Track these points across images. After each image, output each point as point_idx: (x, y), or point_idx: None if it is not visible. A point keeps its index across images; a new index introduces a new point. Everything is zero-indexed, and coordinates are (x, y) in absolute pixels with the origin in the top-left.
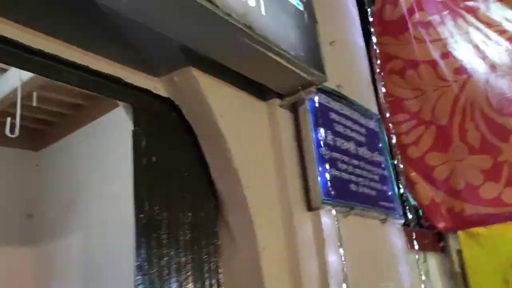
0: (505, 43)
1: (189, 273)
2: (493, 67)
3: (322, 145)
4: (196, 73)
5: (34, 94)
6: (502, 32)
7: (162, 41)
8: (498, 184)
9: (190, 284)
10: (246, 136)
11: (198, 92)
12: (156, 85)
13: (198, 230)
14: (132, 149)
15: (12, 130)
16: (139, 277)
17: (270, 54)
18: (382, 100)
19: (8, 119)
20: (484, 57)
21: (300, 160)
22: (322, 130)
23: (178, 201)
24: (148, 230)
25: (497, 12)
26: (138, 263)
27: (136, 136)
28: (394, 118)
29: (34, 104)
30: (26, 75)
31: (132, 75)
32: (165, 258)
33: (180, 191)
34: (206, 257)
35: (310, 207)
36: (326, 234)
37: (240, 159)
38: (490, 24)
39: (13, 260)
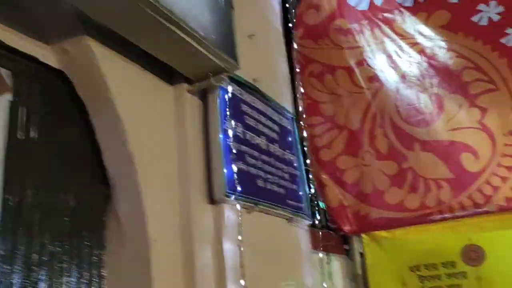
0: (416, 55)
1: (65, 264)
2: (403, 77)
3: (231, 137)
4: (93, 43)
5: None
6: (414, 44)
7: (54, 3)
8: (402, 190)
9: (64, 278)
10: (146, 118)
11: (93, 65)
12: (45, 53)
13: (81, 217)
14: (7, 121)
15: None
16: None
17: (177, 30)
18: (299, 101)
19: None
20: (396, 67)
21: (205, 150)
22: (232, 122)
23: (58, 184)
24: (16, 214)
25: (411, 25)
26: (1, 252)
27: (13, 106)
28: (310, 120)
29: None
30: None
31: (16, 38)
32: (36, 248)
33: (62, 172)
34: (87, 248)
35: (212, 200)
36: (227, 229)
37: (136, 142)
38: (404, 36)
39: None
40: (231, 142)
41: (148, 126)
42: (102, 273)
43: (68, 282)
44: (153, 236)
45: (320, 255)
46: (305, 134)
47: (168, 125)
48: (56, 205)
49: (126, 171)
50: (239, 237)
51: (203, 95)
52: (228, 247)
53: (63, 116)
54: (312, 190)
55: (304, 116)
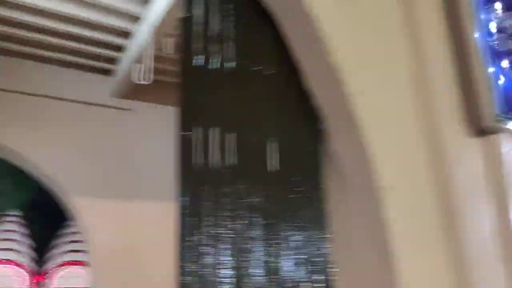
0: None
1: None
2: None
3: (495, 31)
4: None
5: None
6: None
7: None
8: None
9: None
10: (359, 30)
11: None
12: None
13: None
14: None
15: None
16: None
17: None
18: None
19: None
20: None
21: (455, 56)
22: (497, 4)
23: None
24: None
25: None
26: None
27: None
28: None
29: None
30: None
31: None
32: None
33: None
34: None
35: (476, 130)
36: (507, 170)
37: (345, 48)
38: None
39: None
40: (496, 40)
41: (362, 36)
42: (325, 229)
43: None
44: (388, 183)
45: None
46: None
47: (392, 29)
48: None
49: (338, 95)
50: None
51: None
52: None
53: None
54: None
55: None
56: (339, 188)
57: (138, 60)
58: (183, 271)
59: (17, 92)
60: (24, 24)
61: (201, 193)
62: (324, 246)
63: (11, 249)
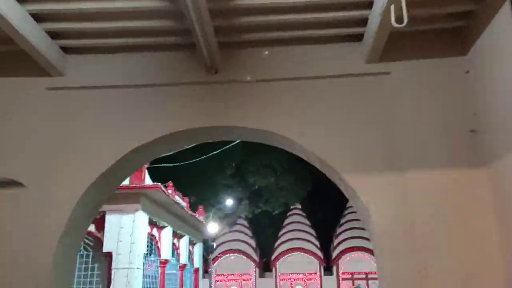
0: None
1: None
2: None
3: None
4: None
5: None
6: None
7: None
8: None
9: None
10: None
11: None
12: None
13: None
14: None
15: (398, 20)
16: None
17: None
18: None
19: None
20: None
21: None
22: None
23: None
24: None
25: None
26: None
27: None
28: None
29: None
30: None
31: None
32: None
33: None
34: None
35: None
36: None
37: None
38: None
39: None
40: None
41: None
42: None
43: None
44: None
45: None
46: None
47: None
48: None
49: None
50: None
51: None
52: None
53: None
54: None
55: None
56: None
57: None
58: None
59: (272, 80)
60: (265, 8)
61: None
62: None
63: (299, 239)
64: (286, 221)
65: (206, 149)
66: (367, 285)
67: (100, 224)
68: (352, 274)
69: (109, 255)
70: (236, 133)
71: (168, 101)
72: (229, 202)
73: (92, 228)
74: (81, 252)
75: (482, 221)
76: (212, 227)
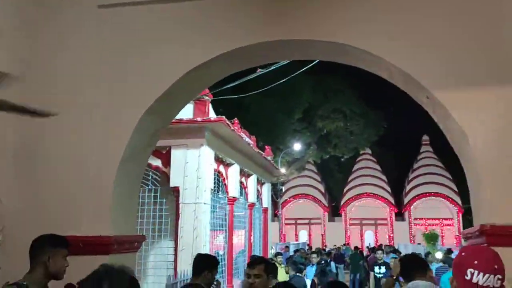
0: None
1: None
2: None
3: None
4: None
5: None
6: None
7: None
8: None
9: None
10: None
11: None
12: None
13: None
14: None
15: None
16: None
17: None
18: None
19: None
20: None
21: None
22: None
23: None
24: None
25: None
26: None
27: None
28: None
29: None
30: None
31: None
32: None
33: None
34: None
35: None
36: None
37: None
38: None
39: None
40: None
41: None
42: None
43: None
44: None
45: None
46: None
47: None
48: None
49: None
50: None
51: None
52: None
53: None
54: None
55: None
56: None
57: None
58: None
59: None
60: None
61: None
62: None
63: (369, 184)
64: (356, 166)
65: (274, 92)
66: (442, 231)
67: (167, 160)
68: (425, 220)
69: (175, 190)
70: (309, 48)
71: (231, 13)
72: (297, 146)
73: (159, 163)
74: (149, 187)
75: None
76: (281, 170)
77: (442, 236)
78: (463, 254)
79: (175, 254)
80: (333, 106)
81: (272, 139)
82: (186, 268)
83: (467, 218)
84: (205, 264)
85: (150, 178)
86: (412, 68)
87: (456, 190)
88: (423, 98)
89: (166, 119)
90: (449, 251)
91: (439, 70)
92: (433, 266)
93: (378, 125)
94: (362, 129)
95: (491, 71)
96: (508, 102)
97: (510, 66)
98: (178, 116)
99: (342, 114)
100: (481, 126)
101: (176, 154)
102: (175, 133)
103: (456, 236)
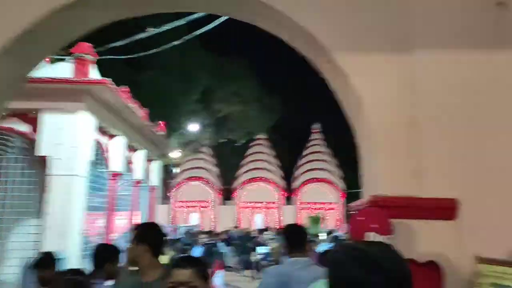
0: None
1: None
2: None
3: None
4: None
5: None
6: None
7: None
8: None
9: None
10: None
11: None
12: None
13: None
14: None
15: None
16: None
17: None
18: None
19: None
20: None
21: None
22: None
23: None
24: None
25: None
26: None
27: None
28: None
29: None
30: None
31: None
32: None
33: None
34: None
35: None
36: None
37: None
38: None
39: None
40: None
41: None
42: None
43: None
44: None
45: None
46: None
47: None
48: None
49: None
50: None
51: None
52: None
53: None
54: None
55: None
56: None
57: None
58: None
59: None
60: None
61: None
62: None
63: (262, 168)
64: (249, 151)
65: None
66: (326, 215)
67: (37, 125)
68: (310, 204)
69: (43, 159)
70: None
71: None
72: (193, 127)
73: (26, 128)
74: (14, 156)
75: (508, 114)
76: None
77: (326, 219)
78: (360, 219)
79: (42, 234)
80: (231, 90)
81: (167, 118)
82: (53, 249)
83: (349, 203)
84: (107, 256)
85: (15, 145)
86: (316, 28)
87: (343, 176)
88: (324, 63)
89: (27, 64)
90: (330, 232)
91: (344, 33)
92: (323, 247)
93: (274, 111)
94: (258, 114)
95: (390, 39)
96: (403, 70)
97: (407, 37)
98: (53, 75)
99: (239, 97)
100: (376, 92)
101: (47, 119)
102: (47, 94)
103: (338, 219)
